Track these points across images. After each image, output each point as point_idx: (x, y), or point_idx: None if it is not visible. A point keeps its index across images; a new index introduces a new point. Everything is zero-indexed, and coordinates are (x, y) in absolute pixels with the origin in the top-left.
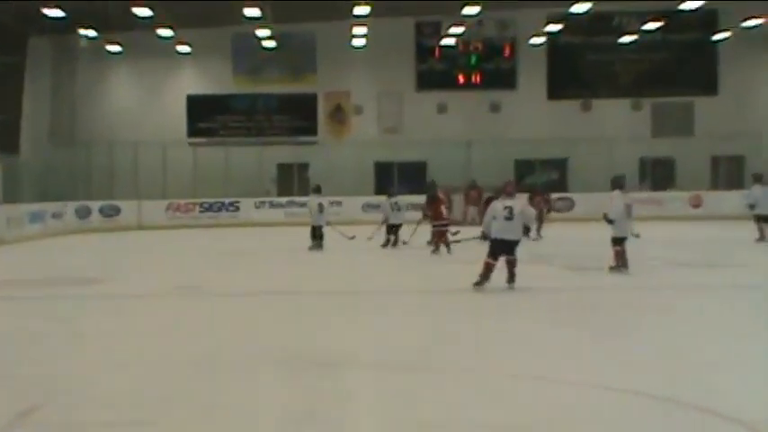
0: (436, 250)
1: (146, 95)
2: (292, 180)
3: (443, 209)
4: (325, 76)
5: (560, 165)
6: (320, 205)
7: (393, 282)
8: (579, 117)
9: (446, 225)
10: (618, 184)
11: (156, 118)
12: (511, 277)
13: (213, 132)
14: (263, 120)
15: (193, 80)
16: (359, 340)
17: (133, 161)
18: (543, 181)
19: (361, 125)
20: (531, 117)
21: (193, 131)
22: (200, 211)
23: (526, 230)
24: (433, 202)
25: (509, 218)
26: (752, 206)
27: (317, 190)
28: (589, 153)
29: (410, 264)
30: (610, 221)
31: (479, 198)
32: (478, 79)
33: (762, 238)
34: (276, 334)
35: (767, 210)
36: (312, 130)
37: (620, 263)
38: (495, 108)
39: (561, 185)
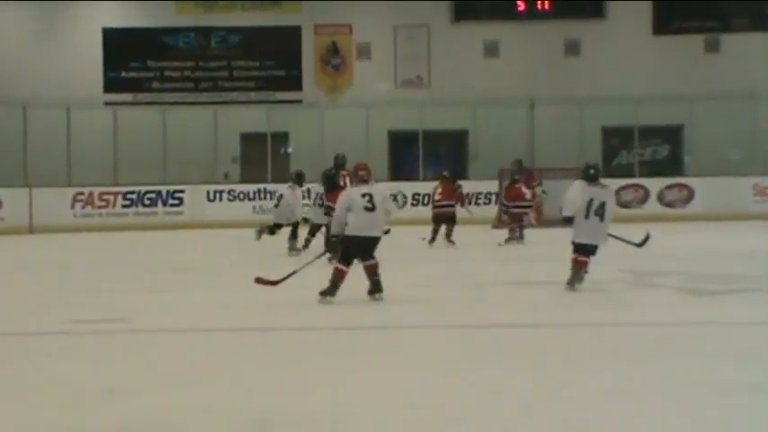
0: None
1: (39, 32)
2: (264, 158)
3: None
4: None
5: (672, 135)
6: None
7: (401, 312)
8: (702, 62)
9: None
10: (587, 173)
11: (55, 65)
12: (375, 287)
13: (143, 86)
14: (219, 68)
15: (113, 7)
16: (359, 401)
17: (20, 130)
18: (645, 160)
19: (369, 76)
20: (626, 62)
21: (113, 85)
22: (124, 205)
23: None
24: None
25: (370, 208)
26: None
27: (299, 179)
28: (716, 117)
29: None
30: (566, 221)
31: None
32: (547, 5)
33: None
34: (238, 394)
35: None
36: (294, 84)
37: (575, 278)
38: (572, 49)
39: (673, 166)
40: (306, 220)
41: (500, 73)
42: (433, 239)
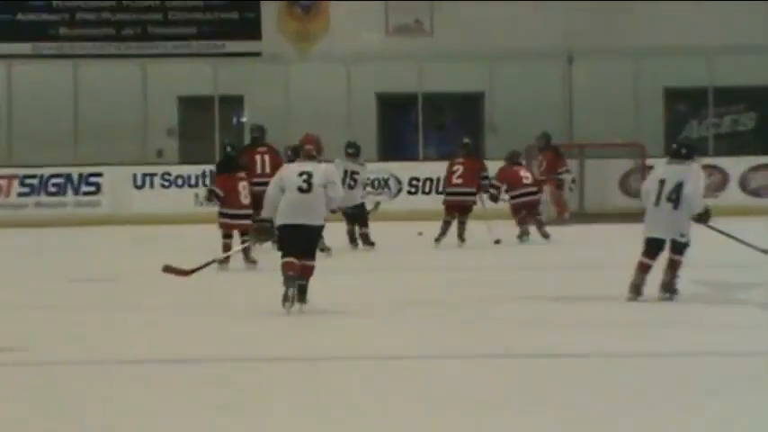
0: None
1: None
2: (210, 131)
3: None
4: None
5: (759, 100)
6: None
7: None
8: None
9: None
10: (671, 148)
11: None
12: (301, 295)
13: (46, 33)
14: (149, 9)
15: None
16: None
17: None
18: (722, 132)
19: (351, 20)
20: (697, 3)
21: (4, 31)
22: (21, 194)
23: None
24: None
25: (304, 189)
26: None
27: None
28: None
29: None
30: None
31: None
32: None
33: None
34: None
35: None
36: (250, 31)
37: (632, 285)
38: None
39: (760, 141)
40: None
41: (527, 16)
42: (442, 235)
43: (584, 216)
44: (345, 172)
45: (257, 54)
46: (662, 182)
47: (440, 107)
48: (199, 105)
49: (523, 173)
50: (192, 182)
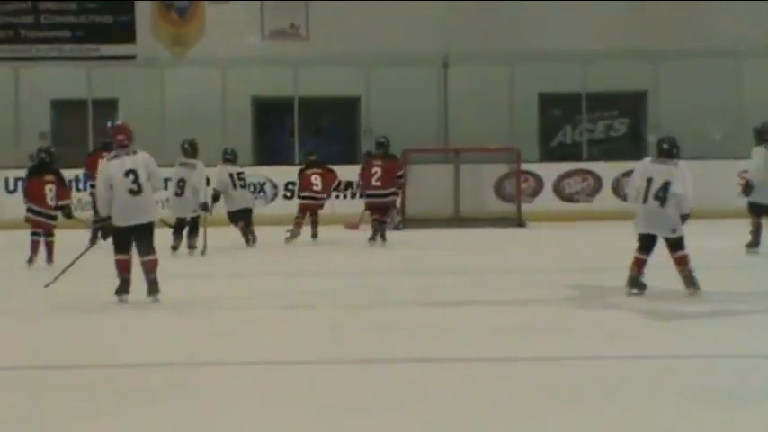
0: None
1: None
2: (83, 134)
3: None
4: None
5: (631, 105)
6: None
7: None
8: (672, 9)
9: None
10: (658, 147)
11: None
12: (152, 286)
13: None
14: (20, 11)
15: None
16: None
17: None
18: (596, 138)
19: (227, 23)
20: (571, 8)
21: None
22: None
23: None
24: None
25: (136, 191)
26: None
27: (194, 150)
28: (690, 82)
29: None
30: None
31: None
32: None
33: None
34: None
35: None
36: (124, 34)
37: (631, 280)
38: None
39: (633, 146)
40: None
41: (403, 21)
42: (376, 235)
43: (460, 221)
44: (231, 175)
45: (132, 57)
46: (649, 180)
47: (316, 111)
48: (72, 109)
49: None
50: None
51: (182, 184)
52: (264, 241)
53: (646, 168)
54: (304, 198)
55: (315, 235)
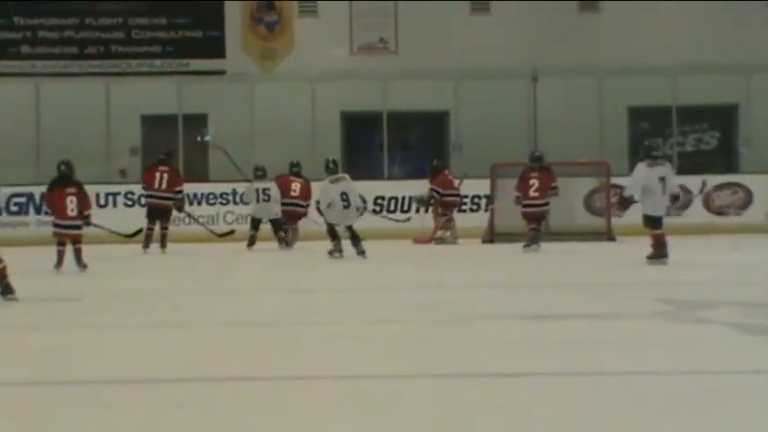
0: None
1: None
2: (176, 148)
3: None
4: None
5: (722, 118)
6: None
7: None
8: (763, 21)
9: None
10: (648, 153)
11: None
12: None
13: (8, 51)
14: (113, 27)
15: None
16: None
17: None
18: (686, 150)
19: (316, 38)
20: (660, 22)
21: None
22: None
23: None
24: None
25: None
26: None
27: (262, 174)
28: None
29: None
30: (626, 199)
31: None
32: None
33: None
34: None
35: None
36: (214, 49)
37: (660, 252)
38: (588, 4)
39: (724, 159)
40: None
41: (492, 35)
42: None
43: (550, 234)
44: (257, 191)
45: (221, 72)
46: (662, 179)
47: (405, 126)
48: (162, 124)
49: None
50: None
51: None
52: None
53: (652, 171)
54: (285, 205)
55: (287, 243)
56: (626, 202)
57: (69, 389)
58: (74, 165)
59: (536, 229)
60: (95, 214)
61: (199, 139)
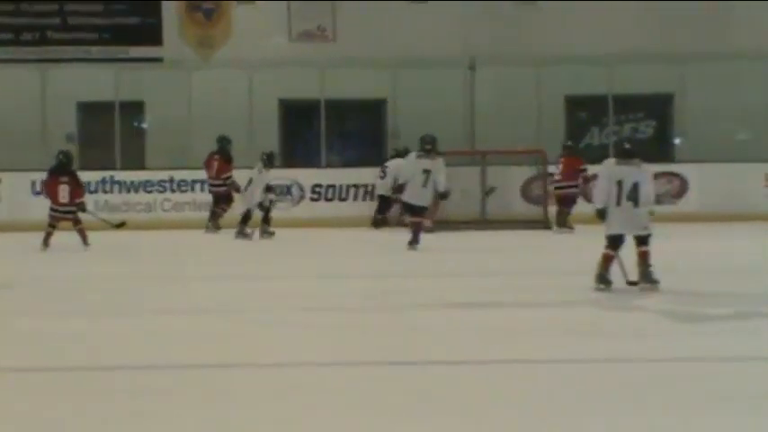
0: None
1: None
2: (110, 136)
3: None
4: None
5: (658, 108)
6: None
7: None
8: (698, 11)
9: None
10: (620, 148)
11: None
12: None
13: None
14: (47, 13)
15: None
16: None
17: None
18: (628, 139)
19: (254, 26)
20: (597, 11)
21: None
22: None
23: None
24: None
25: None
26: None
27: (270, 160)
28: (717, 85)
29: None
30: (600, 214)
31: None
32: None
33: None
34: None
35: None
36: (151, 36)
37: (600, 277)
38: None
39: (659, 148)
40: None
41: (430, 24)
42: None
43: (487, 223)
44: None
45: (159, 60)
46: (619, 183)
47: (343, 114)
48: (98, 111)
49: None
50: (92, 188)
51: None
52: (288, 243)
53: (612, 171)
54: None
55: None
56: (602, 215)
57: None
58: (72, 154)
59: (564, 210)
60: (32, 201)
61: (135, 125)
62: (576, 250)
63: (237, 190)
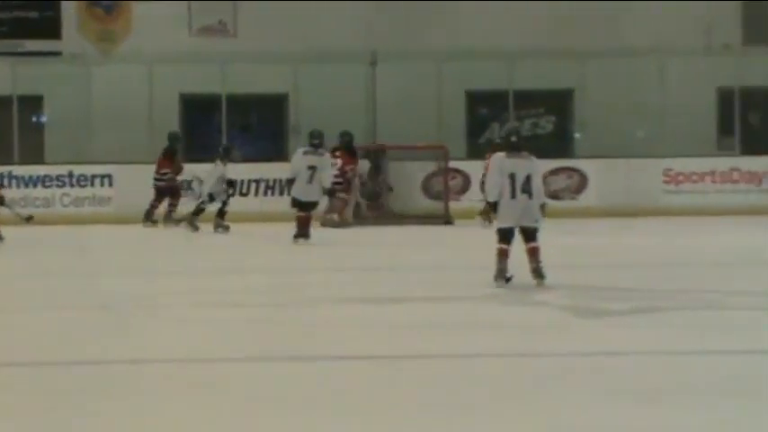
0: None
1: None
2: (8, 131)
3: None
4: None
5: (558, 103)
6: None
7: None
8: (597, 9)
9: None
10: (508, 141)
11: None
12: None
13: None
14: None
15: None
16: None
17: None
18: (522, 135)
19: (154, 20)
20: (498, 7)
21: None
22: None
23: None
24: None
25: None
26: None
27: (227, 153)
28: (616, 81)
29: None
30: (493, 207)
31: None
32: None
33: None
34: None
35: None
36: (50, 30)
37: (499, 272)
38: None
39: (559, 144)
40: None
41: (332, 19)
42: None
43: (388, 217)
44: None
45: (57, 54)
46: (512, 176)
47: (244, 108)
48: None
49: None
50: None
51: None
52: (190, 238)
53: (503, 164)
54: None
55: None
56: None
57: None
58: None
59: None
60: None
61: (34, 120)
62: (479, 245)
63: (175, 187)
